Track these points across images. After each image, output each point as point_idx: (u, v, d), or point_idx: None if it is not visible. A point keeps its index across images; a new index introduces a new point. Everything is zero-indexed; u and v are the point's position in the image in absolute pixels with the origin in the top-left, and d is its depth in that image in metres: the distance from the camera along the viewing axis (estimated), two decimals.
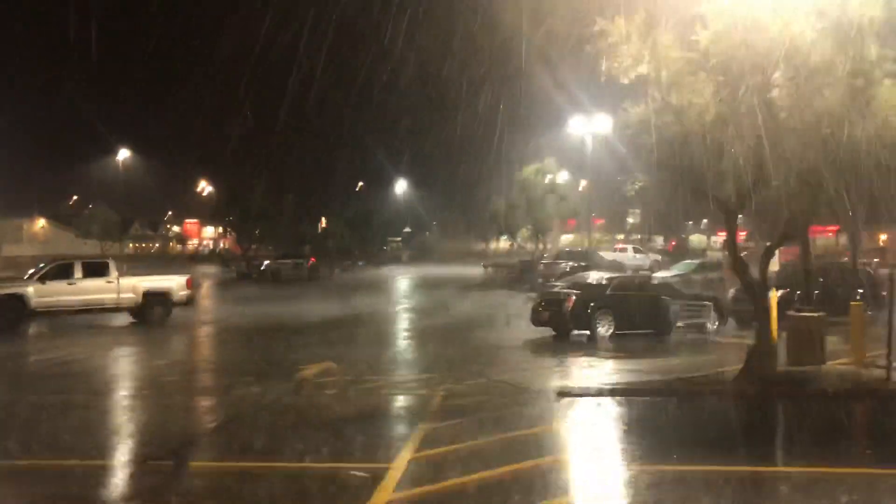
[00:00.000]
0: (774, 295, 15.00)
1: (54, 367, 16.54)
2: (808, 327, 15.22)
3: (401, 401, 13.45)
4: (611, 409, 12.36)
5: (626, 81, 12.55)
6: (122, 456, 9.98)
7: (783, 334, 15.36)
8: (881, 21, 11.29)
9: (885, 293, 19.55)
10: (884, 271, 25.54)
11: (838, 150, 11.55)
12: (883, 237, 59.10)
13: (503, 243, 67.99)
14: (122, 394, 14.40)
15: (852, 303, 16.27)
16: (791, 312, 16.17)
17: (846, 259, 33.89)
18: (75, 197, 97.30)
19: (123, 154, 74.10)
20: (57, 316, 23.15)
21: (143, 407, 12.94)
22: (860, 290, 22.53)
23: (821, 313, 15.81)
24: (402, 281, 50.95)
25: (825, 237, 58.88)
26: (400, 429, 11.64)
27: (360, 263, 65.89)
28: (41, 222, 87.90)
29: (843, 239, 52.80)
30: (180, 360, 18.38)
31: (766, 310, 14.19)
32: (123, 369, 17.40)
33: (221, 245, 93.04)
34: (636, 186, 13.36)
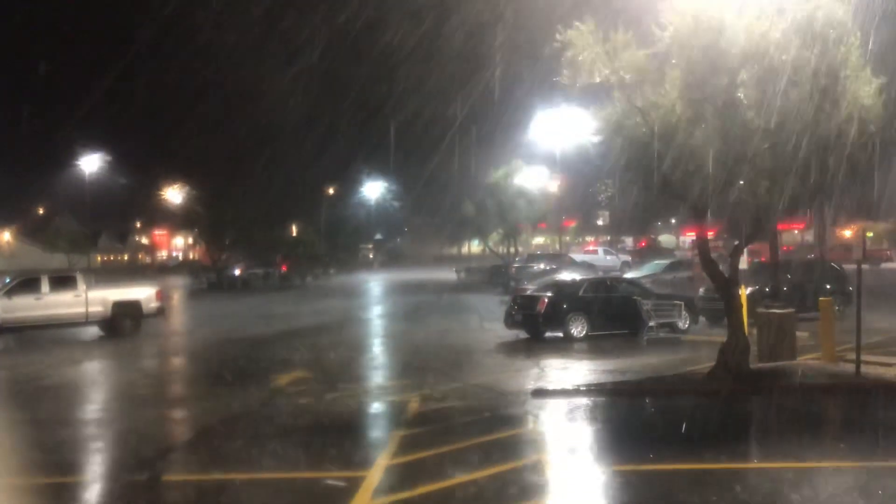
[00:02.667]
0: (744, 292, 15.16)
1: (23, 384, 16.26)
2: (778, 323, 15.43)
3: (376, 407, 13.39)
4: (586, 410, 12.41)
5: (587, 85, 12.65)
6: (94, 472, 9.84)
7: (754, 331, 15.55)
8: (843, 18, 11.49)
9: (852, 288, 19.87)
10: (850, 266, 25.97)
11: (805, 148, 11.72)
12: (848, 233, 60.03)
13: (475, 247, 68.15)
14: (93, 408, 14.19)
15: (821, 298, 16.49)
16: (761, 309, 16.38)
17: (814, 255, 34.36)
18: (41, 210, 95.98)
19: (89, 165, 73.26)
20: (24, 331, 22.78)
21: (115, 421, 12.75)
22: (829, 286, 22.85)
23: (790, 309, 16.03)
24: (375, 287, 50.83)
25: (792, 234, 59.68)
26: (376, 436, 11.60)
27: (332, 271, 65.56)
28: (6, 237, 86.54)
29: (810, 235, 53.58)
30: (151, 373, 18.15)
31: (737, 307, 14.34)
32: (94, 383, 17.16)
33: (191, 255, 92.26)
34: (607, 192, 13.51)
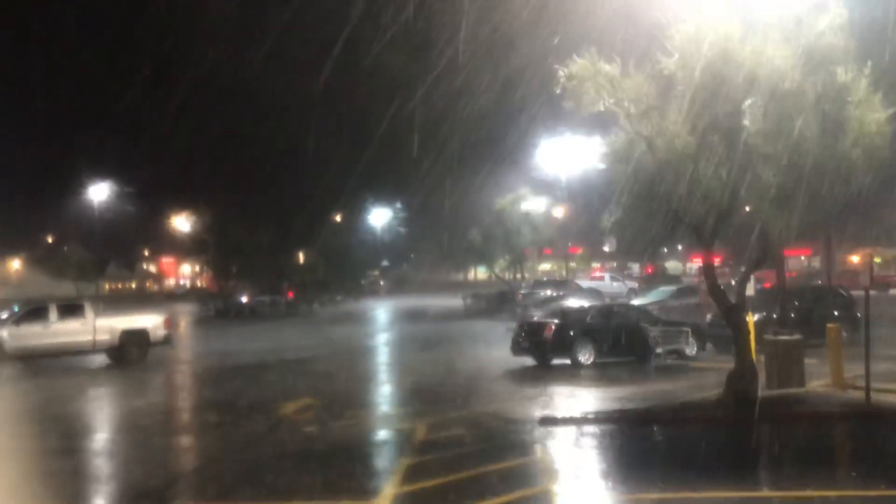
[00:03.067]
0: (751, 319, 15.11)
1: (31, 412, 16.25)
2: (786, 350, 15.35)
3: (383, 435, 13.35)
4: (595, 438, 12.35)
5: (592, 113, 12.75)
6: (100, 501, 9.81)
7: (761, 358, 15.48)
8: (849, 47, 11.56)
9: (860, 314, 19.77)
10: (858, 292, 25.85)
11: (810, 174, 11.75)
12: (855, 258, 59.85)
13: (481, 273, 68.08)
14: (100, 436, 14.18)
15: (829, 325, 16.41)
16: (768, 336, 16.30)
17: (820, 281, 34.26)
18: (49, 239, 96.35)
19: (98, 194, 73.63)
20: (33, 360, 22.80)
21: (122, 449, 12.74)
22: (836, 312, 22.74)
23: (798, 336, 15.95)
24: (381, 314, 50.78)
25: (799, 260, 59.52)
26: (383, 463, 11.56)
27: (338, 298, 65.53)
28: (15, 265, 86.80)
29: (817, 261, 53.41)
30: (158, 401, 18.14)
31: (744, 334, 14.29)
32: (101, 412, 17.15)
33: (199, 282, 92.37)
34: (612, 219, 13.52)
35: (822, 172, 11.90)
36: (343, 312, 52.39)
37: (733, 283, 20.47)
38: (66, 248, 77.72)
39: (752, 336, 14.97)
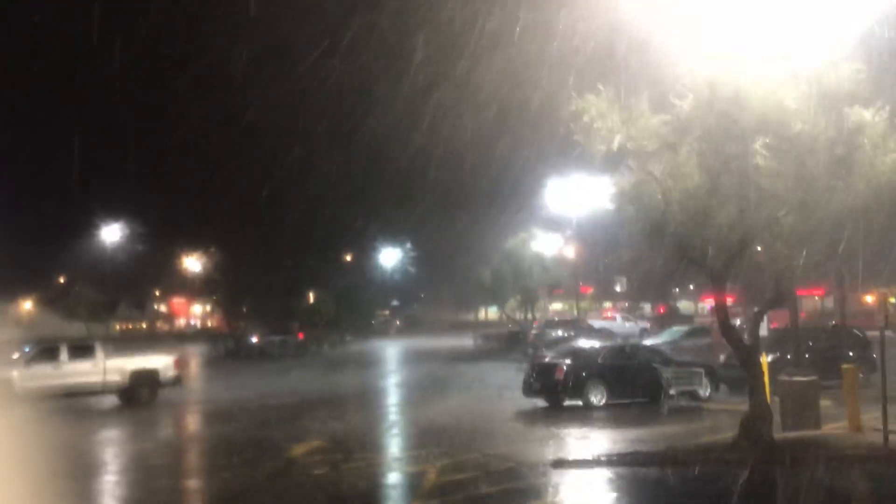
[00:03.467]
0: (765, 360, 14.97)
1: (40, 453, 16.16)
2: (801, 392, 15.17)
3: (393, 478, 13.21)
4: (608, 481, 12.18)
5: (603, 152, 12.78)
6: None
7: (776, 399, 15.30)
8: (860, 88, 11.59)
9: (876, 355, 19.56)
10: (873, 332, 25.59)
11: (823, 215, 11.72)
12: (869, 298, 59.43)
13: (492, 313, 67.85)
14: (109, 478, 14.08)
15: (844, 366, 16.23)
16: (783, 377, 16.13)
17: (835, 322, 33.98)
18: (61, 279, 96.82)
19: (109, 235, 74.11)
20: (42, 400, 22.74)
21: (131, 492, 12.64)
22: (851, 353, 22.51)
23: (813, 377, 15.77)
24: (392, 354, 50.58)
25: (812, 300, 59.12)
26: None
27: (348, 338, 65.38)
28: (26, 305, 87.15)
29: (830, 301, 53.05)
30: (167, 443, 18.04)
31: (758, 375, 14.15)
32: (110, 453, 17.06)
33: (209, 323, 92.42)
34: (623, 259, 13.54)
35: (834, 213, 11.87)
36: (353, 353, 52.22)
37: (738, 321, 20.27)
38: (77, 289, 77.96)
39: (766, 377, 14.82)
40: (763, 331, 16.41)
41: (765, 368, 15.00)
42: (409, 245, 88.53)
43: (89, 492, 12.66)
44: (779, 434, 14.39)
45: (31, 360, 22.69)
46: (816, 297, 59.15)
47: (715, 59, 11.97)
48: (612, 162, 13.39)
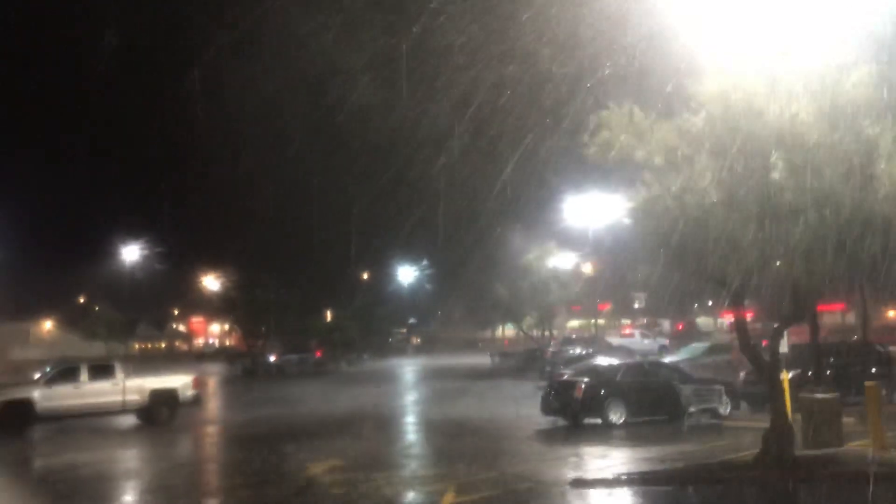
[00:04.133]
0: (786, 376, 14.83)
1: (60, 472, 16.26)
2: (822, 409, 15.00)
3: (412, 497, 13.15)
4: (628, 499, 12.08)
5: (620, 166, 12.78)
6: None
7: (798, 416, 15.14)
8: (876, 99, 11.51)
9: None
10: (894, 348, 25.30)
11: (841, 228, 11.62)
12: (892, 313, 58.82)
13: (509, 330, 67.65)
14: (128, 499, 14.12)
15: (867, 382, 16.04)
16: (804, 394, 15.96)
17: (856, 337, 33.64)
18: (81, 299, 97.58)
19: (129, 255, 74.67)
20: (63, 419, 22.90)
21: None
22: (874, 369, 22.26)
23: (835, 394, 15.60)
24: (409, 373, 50.53)
25: (833, 315, 58.52)
26: None
27: (365, 356, 65.41)
28: (47, 325, 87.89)
29: (851, 317, 52.53)
30: (186, 462, 18.06)
31: (779, 392, 14.01)
32: (129, 473, 17.09)
33: (228, 342, 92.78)
34: (640, 276, 13.45)
35: (852, 226, 11.77)
36: (370, 371, 52.22)
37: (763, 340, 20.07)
38: (97, 309, 78.62)
39: (787, 394, 14.68)
40: (783, 347, 16.24)
41: (786, 385, 14.86)
42: (425, 263, 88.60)
43: None
44: (801, 451, 14.22)
45: (51, 379, 22.86)
46: (838, 313, 58.55)
47: (727, 76, 11.95)
48: (629, 176, 13.36)
